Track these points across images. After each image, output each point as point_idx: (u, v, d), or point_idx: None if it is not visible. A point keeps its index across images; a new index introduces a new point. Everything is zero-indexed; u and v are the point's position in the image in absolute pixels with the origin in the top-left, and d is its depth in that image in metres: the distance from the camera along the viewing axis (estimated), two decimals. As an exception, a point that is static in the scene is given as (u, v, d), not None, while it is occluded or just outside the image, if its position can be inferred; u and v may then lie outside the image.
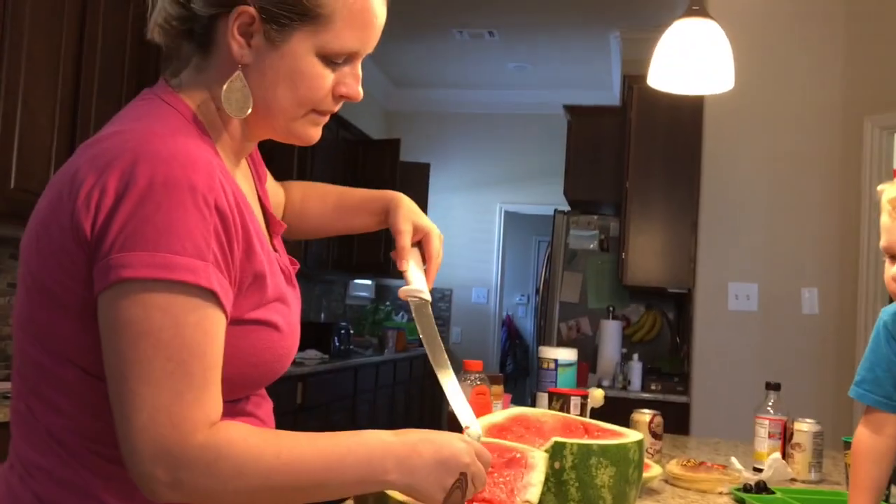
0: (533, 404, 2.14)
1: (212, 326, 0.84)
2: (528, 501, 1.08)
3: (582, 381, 3.84)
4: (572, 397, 1.83)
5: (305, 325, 3.12)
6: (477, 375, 1.68)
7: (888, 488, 1.63)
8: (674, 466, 1.80)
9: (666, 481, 1.80)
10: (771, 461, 1.90)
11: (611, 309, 4.47)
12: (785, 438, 2.01)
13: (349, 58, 0.98)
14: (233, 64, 0.94)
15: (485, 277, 7.44)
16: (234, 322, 0.89)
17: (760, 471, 1.91)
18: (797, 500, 1.69)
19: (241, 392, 0.97)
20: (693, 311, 4.00)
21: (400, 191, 1.27)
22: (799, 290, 3.86)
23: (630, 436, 1.33)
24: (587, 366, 4.19)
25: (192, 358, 0.82)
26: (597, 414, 1.89)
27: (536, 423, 1.38)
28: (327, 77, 0.97)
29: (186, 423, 0.81)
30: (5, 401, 2.42)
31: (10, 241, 2.96)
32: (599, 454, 1.25)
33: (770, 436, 2.00)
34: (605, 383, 4.09)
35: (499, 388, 1.82)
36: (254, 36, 0.93)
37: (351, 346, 5.52)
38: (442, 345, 1.12)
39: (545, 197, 6.79)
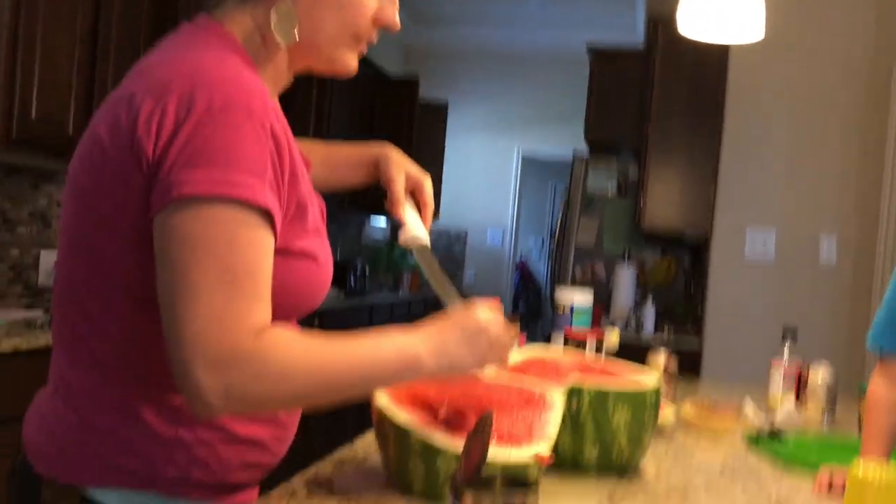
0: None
1: (264, 245, 0.87)
2: (546, 438, 1.10)
3: (595, 324, 3.85)
4: (588, 339, 1.85)
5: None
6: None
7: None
8: (689, 409, 1.82)
9: (679, 423, 1.82)
10: (785, 407, 1.92)
11: (626, 253, 4.47)
12: (799, 384, 2.02)
13: None
14: None
15: (500, 220, 7.43)
16: (277, 252, 0.90)
17: (773, 416, 1.93)
18: (810, 445, 1.71)
19: (275, 322, 0.99)
20: (709, 259, 4.00)
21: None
22: (817, 237, 3.84)
23: (647, 377, 1.35)
24: (600, 308, 4.21)
25: (245, 272, 0.84)
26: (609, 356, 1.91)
27: (554, 363, 1.40)
28: (371, 2, 1.00)
29: (237, 331, 0.83)
30: (31, 329, 2.47)
31: (31, 171, 2.98)
32: (616, 399, 1.27)
33: (785, 379, 2.02)
34: (619, 325, 4.12)
35: (514, 328, 1.83)
36: None
37: (366, 286, 5.56)
38: (449, 282, 1.16)
39: (564, 139, 6.73)
